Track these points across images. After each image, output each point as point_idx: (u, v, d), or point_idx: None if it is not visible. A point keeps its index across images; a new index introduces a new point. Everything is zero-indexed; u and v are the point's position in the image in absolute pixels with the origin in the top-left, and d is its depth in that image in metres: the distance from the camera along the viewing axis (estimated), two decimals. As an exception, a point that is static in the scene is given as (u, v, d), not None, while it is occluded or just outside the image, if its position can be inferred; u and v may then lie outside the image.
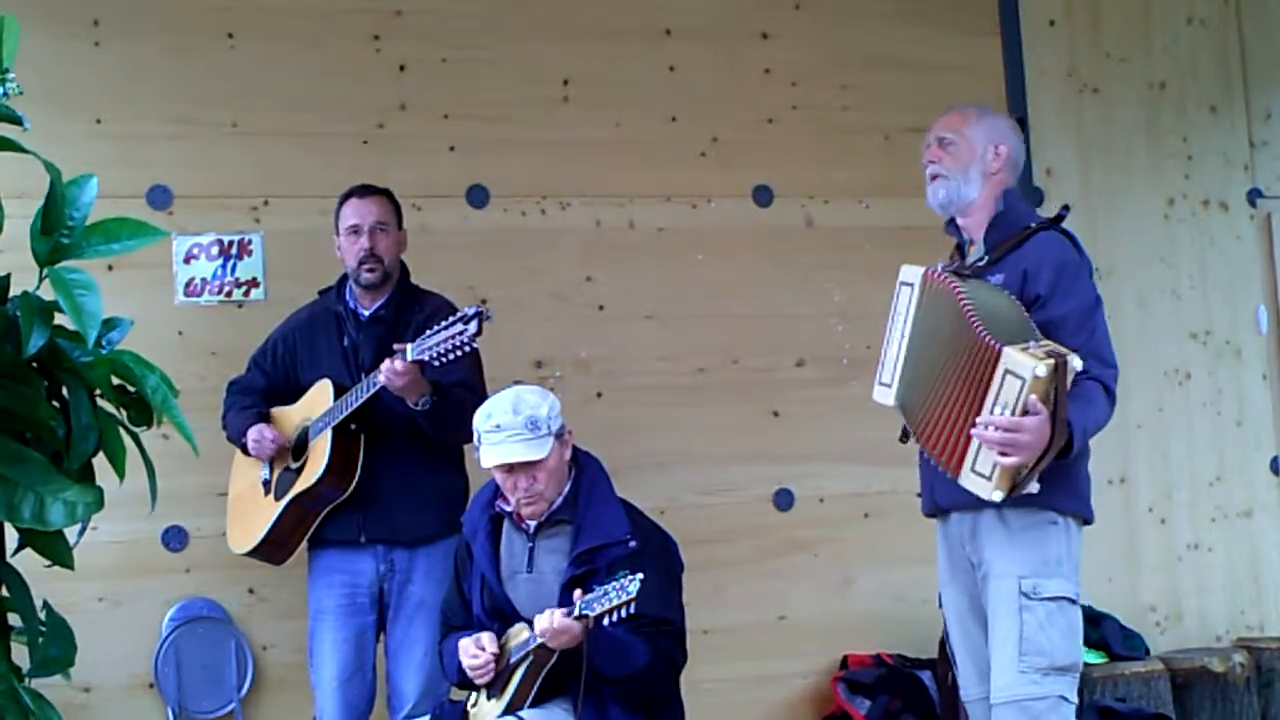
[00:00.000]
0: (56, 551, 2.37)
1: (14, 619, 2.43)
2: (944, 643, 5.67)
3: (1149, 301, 6.60)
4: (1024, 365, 3.57)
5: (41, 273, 2.37)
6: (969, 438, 3.67)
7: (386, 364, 4.39)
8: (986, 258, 3.97)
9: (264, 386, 4.93)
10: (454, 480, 4.84)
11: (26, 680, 2.45)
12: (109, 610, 5.28)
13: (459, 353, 4.24)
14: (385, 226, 4.83)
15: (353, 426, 4.63)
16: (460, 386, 4.62)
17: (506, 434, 4.05)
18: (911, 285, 3.87)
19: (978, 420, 3.63)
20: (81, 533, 2.40)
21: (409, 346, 4.34)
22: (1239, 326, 6.78)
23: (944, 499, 4.02)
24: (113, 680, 5.26)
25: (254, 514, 4.84)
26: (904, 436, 4.06)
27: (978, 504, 3.82)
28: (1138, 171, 6.69)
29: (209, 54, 5.55)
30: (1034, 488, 3.67)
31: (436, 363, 4.29)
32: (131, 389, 2.42)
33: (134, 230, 2.41)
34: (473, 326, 4.19)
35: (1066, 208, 4.15)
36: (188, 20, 5.53)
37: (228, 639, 5.32)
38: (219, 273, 5.48)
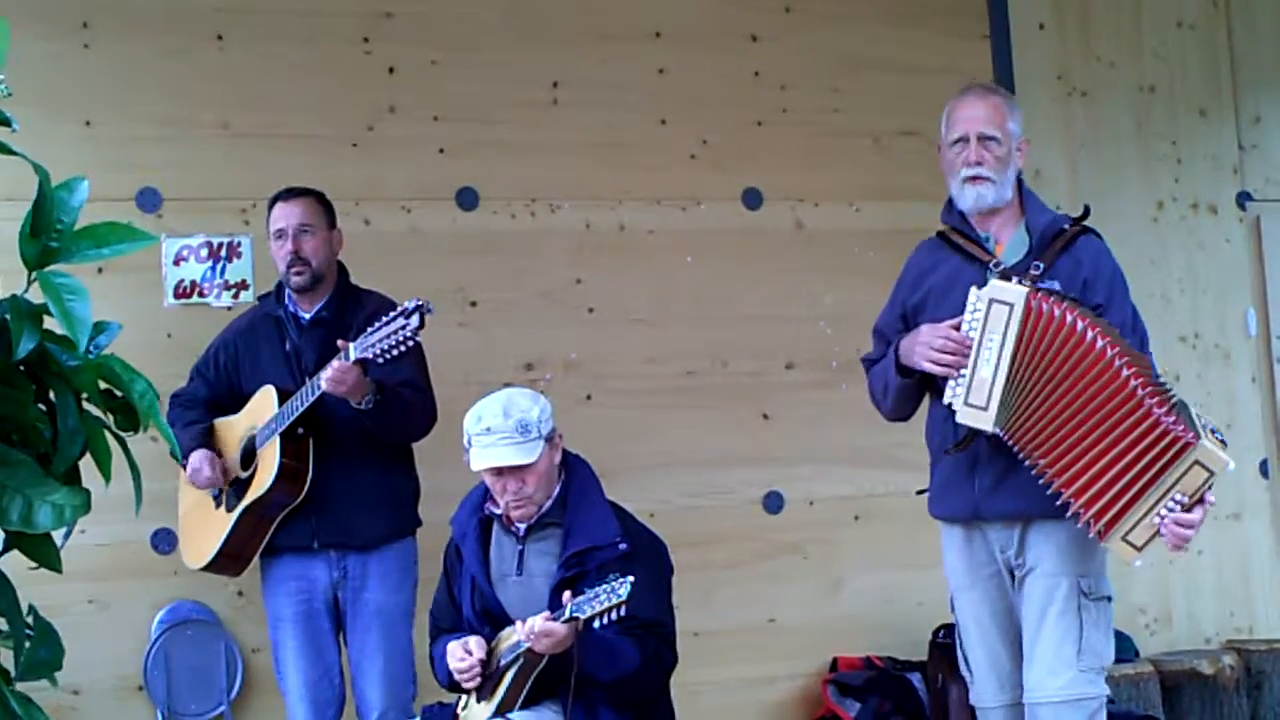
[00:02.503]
0: (44, 554, 2.37)
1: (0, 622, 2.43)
2: (936, 645, 5.70)
3: (1138, 305, 6.59)
4: (1217, 461, 3.65)
5: (30, 276, 2.37)
6: (1127, 506, 3.69)
7: (328, 369, 4.36)
8: (1040, 264, 3.93)
9: (207, 397, 4.88)
10: (405, 481, 4.84)
11: (13, 684, 2.44)
12: (98, 613, 5.27)
13: (402, 348, 4.22)
14: (310, 228, 4.79)
15: (300, 430, 4.60)
16: (405, 385, 4.61)
17: (497, 437, 4.04)
18: (1009, 305, 3.77)
19: (1164, 511, 3.66)
20: (67, 535, 2.39)
21: (351, 345, 4.32)
22: (1228, 329, 6.80)
23: (992, 512, 3.96)
24: (102, 683, 5.25)
25: (207, 528, 4.81)
26: (957, 448, 3.98)
27: (1028, 516, 3.89)
28: (1127, 174, 6.71)
29: (199, 56, 5.54)
30: None
31: (380, 360, 4.26)
32: (118, 393, 2.41)
33: (123, 235, 2.39)
34: (414, 320, 4.17)
35: (1088, 208, 4.17)
36: (177, 22, 5.52)
37: (217, 641, 5.32)
38: (209, 275, 5.48)
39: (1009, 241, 4.05)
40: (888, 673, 5.86)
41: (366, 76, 5.72)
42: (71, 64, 5.40)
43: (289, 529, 4.70)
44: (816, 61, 6.25)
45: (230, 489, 4.76)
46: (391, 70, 5.75)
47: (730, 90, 6.15)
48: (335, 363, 4.35)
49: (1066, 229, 4.03)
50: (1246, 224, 6.90)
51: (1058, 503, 3.77)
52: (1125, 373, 3.70)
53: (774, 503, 6.05)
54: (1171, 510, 3.66)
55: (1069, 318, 3.73)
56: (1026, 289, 3.79)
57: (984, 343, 3.79)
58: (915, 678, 5.79)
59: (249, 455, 4.72)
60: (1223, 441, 3.70)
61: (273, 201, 4.86)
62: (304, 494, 4.62)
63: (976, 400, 3.79)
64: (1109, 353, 3.72)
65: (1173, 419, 3.67)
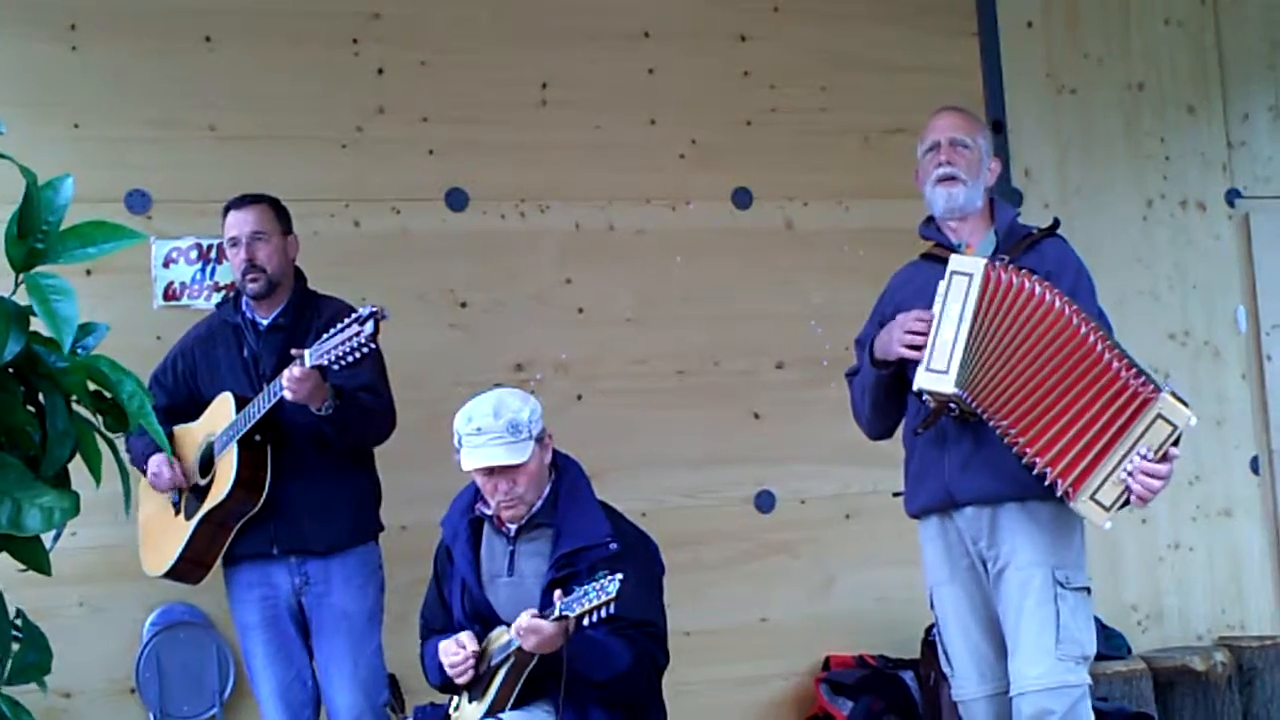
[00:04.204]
0: (33, 557, 2.36)
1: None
2: (928, 643, 5.70)
3: (1127, 302, 6.60)
4: (1180, 415, 3.72)
5: (17, 278, 2.36)
6: (1093, 464, 3.74)
7: (286, 373, 4.35)
8: (1005, 257, 3.97)
9: (165, 404, 4.82)
10: (365, 485, 4.82)
11: (1, 688, 2.44)
12: (89, 615, 5.26)
13: (358, 354, 4.21)
14: (263, 235, 4.76)
15: (258, 437, 4.57)
16: (364, 390, 4.60)
17: (487, 437, 4.05)
18: (968, 276, 3.83)
19: (1129, 466, 3.73)
20: (57, 538, 2.39)
21: (307, 352, 4.31)
22: (1217, 326, 6.80)
23: (964, 493, 3.99)
24: (93, 685, 5.25)
25: (166, 535, 4.78)
26: (924, 426, 4.01)
27: (998, 497, 3.92)
28: (1116, 172, 6.71)
29: (187, 57, 5.53)
30: None
31: (336, 366, 4.26)
32: (107, 394, 2.40)
33: (110, 233, 2.38)
34: (369, 327, 4.16)
35: (1057, 220, 4.25)
36: (166, 23, 5.52)
37: (209, 643, 5.31)
38: (198, 277, 5.47)
39: (979, 245, 4.12)
40: (880, 671, 5.86)
41: (355, 78, 5.71)
42: (59, 66, 5.38)
43: (249, 536, 4.67)
44: (805, 60, 6.25)
45: (189, 496, 4.73)
46: (380, 71, 5.75)
47: (719, 90, 6.15)
48: (292, 369, 4.34)
49: (1034, 233, 4.12)
50: (1235, 221, 6.91)
51: (1023, 461, 3.80)
52: (1084, 330, 3.78)
53: (765, 502, 6.05)
54: (1137, 465, 3.72)
55: (1027, 283, 3.81)
56: (985, 260, 3.86)
57: (945, 312, 3.84)
58: (908, 676, 5.80)
59: (207, 462, 4.70)
60: (1184, 401, 3.75)
61: (226, 209, 4.83)
62: (262, 501, 4.60)
63: (938, 365, 3.83)
64: (1067, 311, 3.79)
65: (1134, 375, 3.75)
